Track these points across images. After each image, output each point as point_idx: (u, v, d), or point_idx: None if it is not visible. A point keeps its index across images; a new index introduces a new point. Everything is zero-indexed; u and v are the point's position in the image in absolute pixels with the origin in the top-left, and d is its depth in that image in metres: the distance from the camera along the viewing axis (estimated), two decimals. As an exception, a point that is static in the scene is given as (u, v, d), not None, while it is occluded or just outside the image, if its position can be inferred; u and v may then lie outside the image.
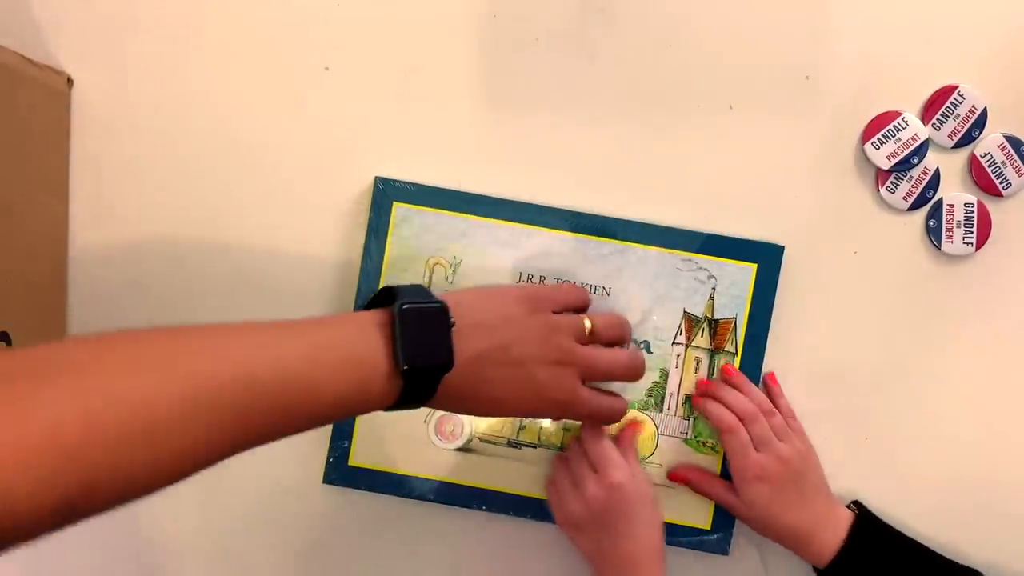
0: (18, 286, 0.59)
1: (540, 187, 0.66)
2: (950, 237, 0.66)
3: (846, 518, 0.62)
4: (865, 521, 0.62)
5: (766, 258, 0.65)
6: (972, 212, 0.66)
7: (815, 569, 0.62)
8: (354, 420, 0.65)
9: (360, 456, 0.65)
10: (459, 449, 0.66)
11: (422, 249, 0.65)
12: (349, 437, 0.65)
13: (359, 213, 0.66)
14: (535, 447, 0.66)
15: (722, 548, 0.66)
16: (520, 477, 0.66)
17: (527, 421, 0.65)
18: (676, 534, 0.65)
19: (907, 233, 0.67)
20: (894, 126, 0.65)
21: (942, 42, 0.66)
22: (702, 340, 0.65)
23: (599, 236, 0.65)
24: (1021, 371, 0.67)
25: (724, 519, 0.65)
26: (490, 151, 0.66)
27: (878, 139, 0.65)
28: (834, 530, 0.61)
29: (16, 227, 0.59)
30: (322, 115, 0.66)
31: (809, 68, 0.66)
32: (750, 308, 0.65)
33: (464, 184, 0.65)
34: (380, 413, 0.49)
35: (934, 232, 0.66)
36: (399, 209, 0.65)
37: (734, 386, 0.64)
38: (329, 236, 0.66)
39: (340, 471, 0.65)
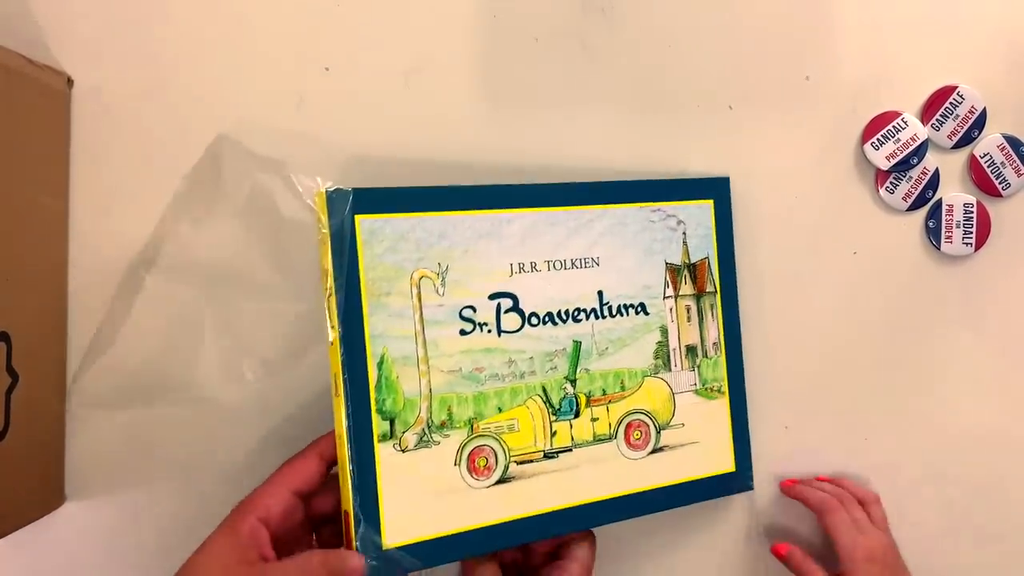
0: (18, 286, 0.59)
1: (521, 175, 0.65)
2: (949, 237, 0.66)
3: None
4: None
5: (718, 191, 0.65)
6: (971, 212, 0.66)
7: None
8: (376, 497, 0.54)
9: (394, 535, 0.54)
10: (498, 482, 0.58)
11: (402, 263, 0.56)
12: (376, 519, 0.54)
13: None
14: (571, 450, 0.60)
15: (746, 483, 0.64)
16: (562, 489, 0.60)
17: (556, 426, 0.60)
18: (702, 489, 0.62)
19: (906, 233, 0.67)
20: (893, 126, 0.65)
21: (942, 42, 0.66)
22: (687, 287, 0.64)
23: (577, 205, 0.62)
24: (1020, 371, 0.67)
25: (744, 454, 0.63)
26: (486, 150, 0.66)
27: (877, 139, 0.65)
28: None
29: (16, 227, 0.59)
30: (317, 116, 0.66)
31: (809, 68, 0.66)
32: (717, 243, 0.65)
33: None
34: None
35: (933, 232, 0.66)
36: (363, 222, 0.55)
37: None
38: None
39: (380, 560, 0.53)
